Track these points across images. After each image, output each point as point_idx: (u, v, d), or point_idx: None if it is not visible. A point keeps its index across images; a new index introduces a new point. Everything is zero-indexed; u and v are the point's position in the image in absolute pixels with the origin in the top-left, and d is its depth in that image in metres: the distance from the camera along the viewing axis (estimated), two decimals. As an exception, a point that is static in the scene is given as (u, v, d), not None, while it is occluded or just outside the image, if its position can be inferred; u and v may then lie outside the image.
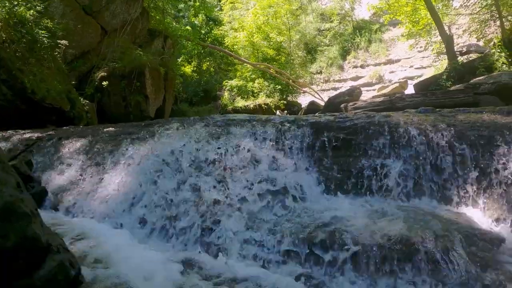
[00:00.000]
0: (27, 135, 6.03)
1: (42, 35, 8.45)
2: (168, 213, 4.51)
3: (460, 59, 16.82)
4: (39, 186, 4.97)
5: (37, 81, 7.69)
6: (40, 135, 6.04)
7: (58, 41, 9.55)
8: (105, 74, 11.00)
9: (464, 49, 18.82)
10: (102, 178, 5.16)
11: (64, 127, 6.99)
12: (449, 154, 4.81)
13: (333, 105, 14.57)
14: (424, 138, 4.97)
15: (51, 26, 8.88)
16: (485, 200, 4.44)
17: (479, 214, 4.34)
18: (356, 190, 4.88)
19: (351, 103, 13.07)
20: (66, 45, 9.78)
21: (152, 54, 13.38)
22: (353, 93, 14.58)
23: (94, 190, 5.01)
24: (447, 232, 3.67)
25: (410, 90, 20.71)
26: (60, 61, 9.54)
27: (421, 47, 25.22)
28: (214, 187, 4.78)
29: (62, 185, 5.20)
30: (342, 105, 13.48)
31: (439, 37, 18.31)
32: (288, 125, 5.68)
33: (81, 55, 11.76)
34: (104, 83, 10.71)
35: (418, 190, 4.72)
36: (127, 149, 5.50)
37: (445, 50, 17.88)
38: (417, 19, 20.50)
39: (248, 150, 5.29)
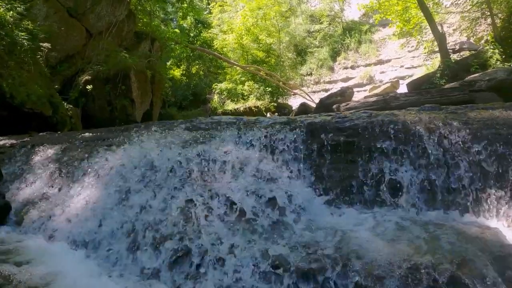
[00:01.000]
0: (1, 142, 5.58)
1: (22, 37, 8.07)
2: (139, 235, 3.84)
3: (453, 56, 16.65)
4: (2, 199, 4.49)
5: (16, 85, 7.31)
6: (13, 142, 5.58)
7: (41, 44, 9.18)
8: (89, 77, 10.60)
9: (457, 47, 18.68)
10: (69, 192, 4.60)
11: (41, 133, 6.53)
12: (467, 156, 4.27)
13: (324, 106, 14.11)
14: (436, 139, 4.45)
15: (31, 28, 8.49)
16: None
17: (506, 227, 3.78)
18: (362, 200, 4.35)
19: (343, 104, 12.68)
20: (48, 48, 9.40)
21: (139, 57, 13.03)
22: (345, 94, 14.21)
23: (60, 205, 4.42)
24: (478, 253, 3.10)
25: (402, 89, 20.47)
26: (42, 65, 9.16)
27: (412, 46, 25.16)
28: (192, 202, 4.14)
29: (29, 198, 4.65)
30: (334, 106, 13.08)
31: (431, 36, 18.16)
32: (279, 127, 5.16)
33: (66, 59, 11.37)
34: (88, 87, 10.29)
35: (433, 199, 4.17)
36: (97, 158, 4.95)
37: (437, 49, 17.72)
38: (408, 18, 20.31)
39: (236, 157, 4.74)
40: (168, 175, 4.55)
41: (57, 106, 8.67)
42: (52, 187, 4.75)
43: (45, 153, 5.21)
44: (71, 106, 9.65)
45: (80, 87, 10.45)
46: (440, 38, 15.91)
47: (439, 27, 17.31)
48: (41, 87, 8.26)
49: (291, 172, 4.68)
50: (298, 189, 4.44)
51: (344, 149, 4.74)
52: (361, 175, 4.48)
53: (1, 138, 5.88)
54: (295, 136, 4.97)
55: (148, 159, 4.75)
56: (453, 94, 10.36)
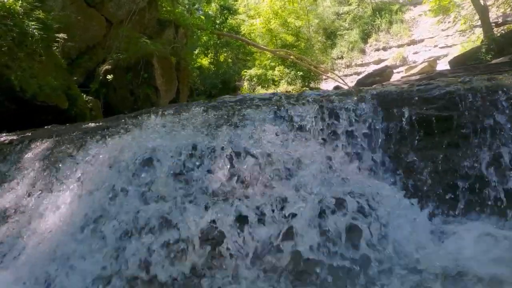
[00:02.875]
0: (2, 139, 4.89)
1: (33, 26, 7.58)
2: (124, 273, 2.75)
3: (497, 30, 15.45)
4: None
5: (26, 77, 6.81)
6: (13, 138, 4.80)
7: (56, 34, 8.70)
8: (109, 67, 10.03)
9: (500, 20, 17.35)
10: (45, 202, 3.56)
11: (47, 127, 5.83)
12: None
13: (363, 85, 13.22)
14: None
15: (43, 17, 7.99)
16: None
17: None
18: (476, 208, 3.02)
19: (383, 83, 11.78)
20: (65, 38, 8.90)
21: (162, 44, 12.46)
22: (384, 73, 13.23)
23: (33, 221, 3.42)
24: None
25: (440, 68, 19.41)
26: (58, 56, 8.66)
27: (448, 22, 23.90)
28: (213, 224, 2.87)
29: (6, 208, 3.68)
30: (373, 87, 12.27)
31: (467, 11, 17.02)
32: (338, 100, 3.81)
33: (86, 50, 10.90)
34: (109, 76, 9.70)
35: None
36: (83, 154, 3.89)
37: (476, 24, 16.60)
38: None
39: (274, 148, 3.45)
40: (175, 178, 3.34)
41: (75, 98, 8.17)
42: (30, 195, 3.75)
43: (36, 150, 4.36)
44: (91, 98, 9.13)
45: (100, 77, 9.92)
46: (482, 10, 14.74)
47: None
48: (57, 79, 7.76)
49: (363, 166, 3.45)
50: (378, 192, 3.06)
51: (438, 128, 3.47)
52: (468, 167, 3.17)
53: (6, 134, 5.31)
54: (365, 112, 3.68)
55: (146, 153, 3.56)
56: (504, 69, 9.36)
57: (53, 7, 9.83)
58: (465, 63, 11.99)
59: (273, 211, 2.91)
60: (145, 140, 3.80)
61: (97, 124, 4.98)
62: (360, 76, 21.64)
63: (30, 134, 4.86)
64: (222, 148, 3.50)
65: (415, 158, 3.39)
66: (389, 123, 3.60)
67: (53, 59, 8.23)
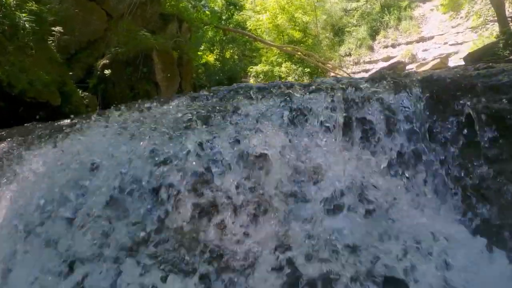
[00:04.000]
0: None
1: (25, 18, 7.16)
2: None
3: (512, 26, 14.86)
4: None
5: (15, 72, 6.39)
6: None
7: (52, 28, 8.30)
8: (107, 61, 9.58)
9: (515, 15, 16.72)
10: None
11: (27, 124, 5.17)
12: None
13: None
14: None
15: (35, 9, 7.57)
16: None
17: None
18: None
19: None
20: (61, 32, 8.50)
21: (164, 38, 12.02)
22: (396, 68, 12.55)
23: None
24: None
25: (451, 65, 18.88)
26: (53, 50, 8.24)
27: (461, 18, 23.28)
28: None
29: None
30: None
31: (479, 6, 16.44)
32: (367, 88, 2.81)
33: (87, 45, 10.50)
34: (107, 71, 9.25)
35: None
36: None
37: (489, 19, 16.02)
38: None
39: (282, 154, 2.49)
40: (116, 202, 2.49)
41: (70, 94, 7.75)
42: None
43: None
44: (87, 93, 8.67)
45: (98, 72, 9.47)
46: (498, 5, 14.13)
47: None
48: (50, 73, 7.35)
49: (410, 185, 2.42)
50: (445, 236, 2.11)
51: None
52: None
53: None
54: (410, 104, 2.66)
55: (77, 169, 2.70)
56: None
57: (51, 0, 9.49)
58: (481, 58, 11.38)
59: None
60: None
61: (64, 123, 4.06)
62: (369, 73, 21.09)
63: (4, 133, 4.27)
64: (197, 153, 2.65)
65: (487, 174, 2.32)
66: (442, 122, 2.60)
67: (47, 53, 7.81)
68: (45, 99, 6.74)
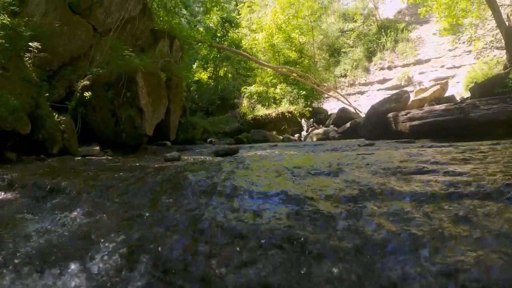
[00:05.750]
0: None
1: (-6, 33, 6.33)
2: None
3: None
4: None
5: (-24, 96, 5.52)
6: None
7: (30, 43, 7.48)
8: (88, 82, 8.69)
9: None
10: None
11: None
12: None
13: (377, 114, 11.80)
14: None
15: (7, 23, 6.74)
16: None
17: None
18: None
19: (402, 112, 10.52)
20: (38, 48, 7.66)
21: (153, 57, 11.20)
22: (401, 99, 11.72)
23: None
24: None
25: (450, 91, 18.29)
26: (29, 68, 7.37)
27: (461, 42, 22.92)
28: None
29: None
30: (390, 114, 10.84)
31: (481, 31, 15.93)
32: None
33: (70, 61, 9.67)
34: (86, 94, 8.35)
35: None
36: None
37: (491, 45, 15.50)
38: (458, 11, 18.12)
39: None
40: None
41: (44, 119, 6.86)
42: None
43: None
44: (64, 118, 7.75)
45: (78, 94, 8.59)
46: (507, 32, 13.49)
47: (507, 18, 14.87)
48: (21, 96, 6.48)
49: None
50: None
51: None
52: None
53: None
54: None
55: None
56: None
57: (34, 12, 8.76)
58: (491, 90, 10.60)
59: None
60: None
61: None
62: (363, 96, 20.49)
63: None
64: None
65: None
66: None
67: (21, 72, 6.93)
68: (10, 127, 5.85)
